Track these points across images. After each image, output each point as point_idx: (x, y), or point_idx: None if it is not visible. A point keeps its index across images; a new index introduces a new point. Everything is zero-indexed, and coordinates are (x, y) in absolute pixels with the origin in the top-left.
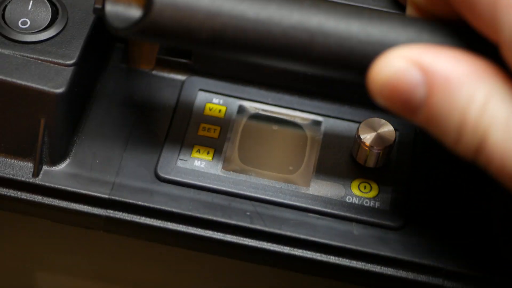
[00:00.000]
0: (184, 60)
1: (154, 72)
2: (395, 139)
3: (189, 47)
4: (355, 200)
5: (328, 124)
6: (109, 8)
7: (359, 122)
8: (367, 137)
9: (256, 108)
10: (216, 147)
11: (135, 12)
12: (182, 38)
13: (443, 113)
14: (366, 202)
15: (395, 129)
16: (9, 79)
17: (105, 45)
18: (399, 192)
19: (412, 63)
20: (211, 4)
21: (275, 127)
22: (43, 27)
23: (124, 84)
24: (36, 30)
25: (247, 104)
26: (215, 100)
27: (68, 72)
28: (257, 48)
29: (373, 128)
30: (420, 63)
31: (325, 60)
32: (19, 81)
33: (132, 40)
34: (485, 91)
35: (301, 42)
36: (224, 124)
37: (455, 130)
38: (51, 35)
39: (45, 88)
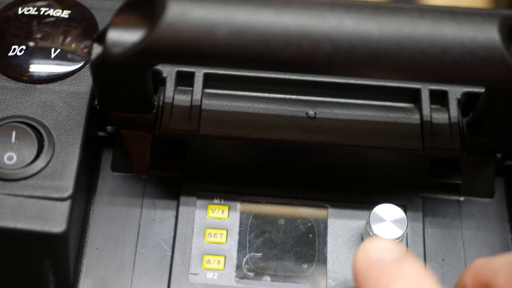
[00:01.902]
0: (178, 161)
1: (147, 176)
2: (407, 226)
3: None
4: None
5: (334, 210)
6: (110, 35)
7: (365, 203)
8: (379, 228)
9: (259, 203)
10: (226, 254)
11: (133, 36)
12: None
13: None
14: None
15: (404, 209)
16: (5, 225)
17: (95, 160)
18: None
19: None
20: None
21: (281, 221)
22: (31, 159)
23: (118, 193)
24: (24, 165)
25: (249, 199)
26: (216, 201)
27: (65, 208)
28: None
29: (384, 217)
30: None
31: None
32: (15, 226)
33: (124, 128)
34: None
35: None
36: (229, 226)
37: None
38: (41, 167)
39: (45, 229)
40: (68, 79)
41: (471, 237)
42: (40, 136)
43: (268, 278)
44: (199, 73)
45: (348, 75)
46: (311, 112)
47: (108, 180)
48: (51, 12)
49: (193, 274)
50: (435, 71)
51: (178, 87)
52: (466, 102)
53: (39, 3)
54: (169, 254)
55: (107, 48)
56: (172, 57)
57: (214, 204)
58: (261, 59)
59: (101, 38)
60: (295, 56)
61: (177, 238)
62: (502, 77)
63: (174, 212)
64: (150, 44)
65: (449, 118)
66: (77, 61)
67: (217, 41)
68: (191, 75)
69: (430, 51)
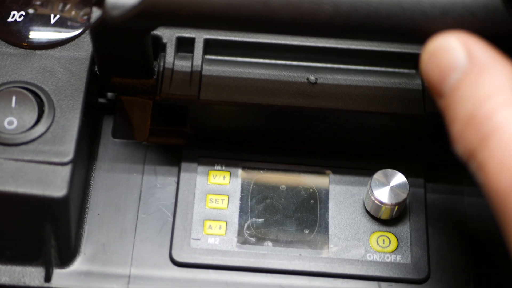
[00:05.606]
0: (179, 128)
1: (148, 143)
2: (409, 191)
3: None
4: (376, 257)
5: (336, 176)
6: None
7: (367, 169)
8: (381, 193)
9: (260, 169)
10: (228, 219)
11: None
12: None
13: (462, 97)
14: (387, 258)
15: (405, 175)
16: (6, 189)
17: (95, 127)
18: (419, 242)
19: (463, 46)
20: None
21: (282, 187)
22: (32, 124)
23: (119, 160)
24: (25, 130)
25: (250, 165)
26: (217, 167)
27: (66, 172)
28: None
29: (385, 181)
30: (470, 49)
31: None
32: (16, 190)
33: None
34: (509, 95)
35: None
36: (231, 192)
37: (463, 119)
38: (42, 132)
39: (45, 194)
40: (68, 45)
41: (473, 203)
42: (41, 101)
43: (269, 243)
44: (200, 39)
45: (349, 37)
46: (312, 78)
47: (109, 146)
48: None
49: (195, 239)
50: (435, 32)
51: (179, 53)
52: None
53: None
54: (171, 219)
55: (107, 11)
56: (171, 18)
57: (215, 170)
58: (260, 20)
59: (100, 1)
60: (294, 17)
61: (178, 204)
62: (503, 38)
63: (175, 178)
64: (149, 5)
65: None
66: (77, 28)
67: (216, 1)
68: (192, 41)
69: (431, 11)
